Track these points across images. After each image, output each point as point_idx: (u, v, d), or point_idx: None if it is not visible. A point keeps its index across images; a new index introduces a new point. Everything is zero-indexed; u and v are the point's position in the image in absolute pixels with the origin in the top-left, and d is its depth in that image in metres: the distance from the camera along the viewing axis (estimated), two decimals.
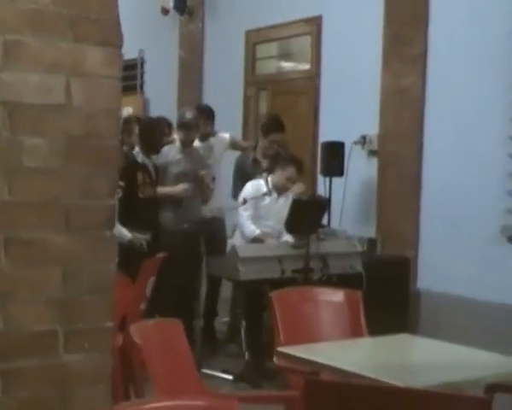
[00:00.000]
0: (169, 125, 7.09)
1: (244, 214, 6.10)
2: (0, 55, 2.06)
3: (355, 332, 3.77)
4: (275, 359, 3.55)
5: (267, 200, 6.12)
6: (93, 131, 2.20)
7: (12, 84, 2.07)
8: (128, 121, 6.74)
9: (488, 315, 6.22)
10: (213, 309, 6.89)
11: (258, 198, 6.02)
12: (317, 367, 3.26)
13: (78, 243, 2.19)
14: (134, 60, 10.57)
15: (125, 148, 6.38)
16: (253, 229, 6.05)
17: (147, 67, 10.46)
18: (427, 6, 6.94)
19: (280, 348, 3.41)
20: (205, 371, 5.61)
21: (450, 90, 6.70)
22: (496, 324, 6.13)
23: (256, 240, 6.05)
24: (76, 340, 2.19)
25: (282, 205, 6.13)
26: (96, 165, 2.22)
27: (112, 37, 2.24)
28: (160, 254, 5.08)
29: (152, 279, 4.98)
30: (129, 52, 10.54)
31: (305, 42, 8.27)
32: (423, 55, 6.96)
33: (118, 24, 2.25)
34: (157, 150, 5.86)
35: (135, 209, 5.51)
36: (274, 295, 3.78)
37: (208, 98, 9.10)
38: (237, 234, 6.32)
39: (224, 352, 6.61)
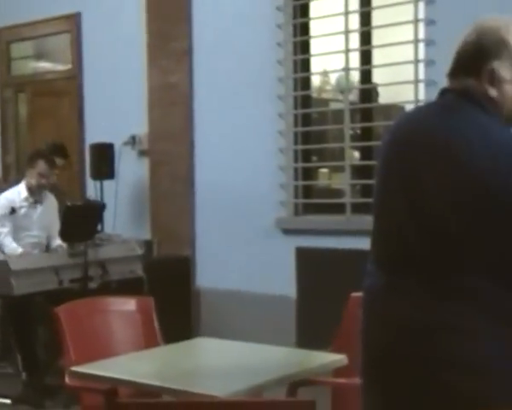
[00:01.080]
0: None
1: (2, 232, 5.64)
2: None
3: (150, 341, 3.58)
4: (67, 378, 3.27)
5: (24, 209, 5.71)
6: None
7: None
8: None
9: (268, 308, 6.30)
10: None
11: (16, 209, 5.60)
12: (113, 383, 3.04)
13: None
14: None
15: None
16: (14, 247, 5.60)
17: None
18: (189, 2, 6.88)
19: (73, 368, 3.14)
20: None
21: (218, 86, 6.70)
22: (276, 316, 6.21)
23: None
24: None
25: (43, 210, 5.78)
26: None
27: None
28: None
29: None
30: None
31: (65, 40, 7.90)
32: (189, 51, 6.90)
33: None
34: None
35: None
36: (60, 309, 3.48)
37: None
38: None
39: None
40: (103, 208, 5.93)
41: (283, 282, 6.18)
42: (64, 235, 5.41)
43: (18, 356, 5.68)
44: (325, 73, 7.21)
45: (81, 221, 5.35)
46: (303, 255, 6.14)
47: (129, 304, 3.68)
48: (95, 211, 5.70)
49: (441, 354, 2.11)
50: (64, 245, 5.62)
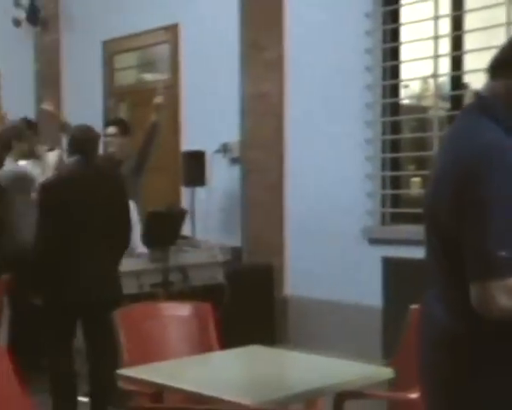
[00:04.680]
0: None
1: None
2: None
3: (205, 347, 3.60)
4: (119, 381, 3.34)
5: None
6: None
7: None
8: None
9: (353, 318, 6.21)
10: None
11: None
12: (158, 388, 3.08)
13: None
14: None
15: None
16: None
17: (2, 82, 9.99)
18: (281, 11, 6.90)
19: (121, 370, 3.20)
20: None
21: (309, 95, 6.68)
22: (362, 326, 6.13)
23: None
24: None
25: None
26: None
27: None
28: (6, 276, 4.77)
29: None
30: None
31: (164, 51, 8.10)
32: (280, 59, 6.92)
33: None
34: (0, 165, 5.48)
35: None
36: (117, 313, 3.56)
37: (67, 111, 8.78)
38: None
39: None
40: (185, 215, 6.02)
41: (369, 292, 6.08)
42: (146, 240, 5.53)
43: None
44: (424, 79, 7.06)
45: (162, 227, 5.45)
46: (389, 265, 6.02)
47: (184, 309, 3.72)
48: (176, 217, 5.80)
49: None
50: (146, 251, 5.70)
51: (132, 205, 5.99)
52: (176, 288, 5.57)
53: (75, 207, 4.44)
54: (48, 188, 4.57)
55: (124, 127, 6.53)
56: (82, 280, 4.44)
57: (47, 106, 6.91)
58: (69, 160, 4.75)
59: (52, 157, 6.35)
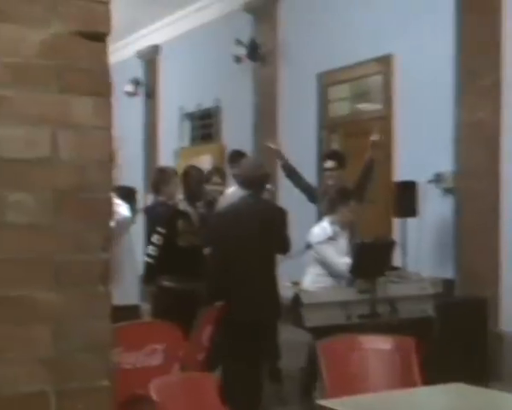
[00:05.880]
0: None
1: (331, 251, 5.83)
2: None
3: (407, 382, 3.54)
4: None
5: (330, 241, 5.87)
6: (83, 184, 2.14)
7: None
8: (164, 171, 6.81)
9: None
10: (275, 352, 6.60)
11: (323, 242, 5.85)
12: None
13: (69, 299, 2.11)
14: (210, 109, 10.68)
15: (161, 198, 6.52)
16: (343, 262, 5.73)
17: (223, 115, 10.52)
18: (498, 35, 6.69)
19: (321, 401, 3.24)
20: None
21: None
22: None
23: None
24: (69, 400, 2.11)
25: (344, 244, 5.94)
26: (88, 218, 2.15)
27: (101, 86, 2.18)
28: (219, 303, 4.98)
29: (209, 328, 4.88)
30: (205, 101, 10.69)
31: (377, 82, 8.13)
32: (497, 85, 6.70)
33: (107, 73, 2.20)
34: (199, 198, 5.81)
35: (174, 257, 5.49)
36: (320, 345, 3.61)
37: (283, 142, 9.04)
38: (308, 278, 6.06)
39: (297, 400, 6.38)
40: (394, 246, 5.96)
41: None
42: (354, 271, 5.55)
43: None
44: None
45: (371, 258, 5.44)
46: None
47: (386, 343, 3.69)
48: (386, 249, 5.76)
49: None
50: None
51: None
52: (383, 320, 5.52)
53: (241, 236, 5.08)
54: (219, 217, 5.45)
55: (341, 160, 6.75)
56: (250, 300, 5.03)
57: (272, 144, 7.28)
58: (241, 194, 5.35)
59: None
